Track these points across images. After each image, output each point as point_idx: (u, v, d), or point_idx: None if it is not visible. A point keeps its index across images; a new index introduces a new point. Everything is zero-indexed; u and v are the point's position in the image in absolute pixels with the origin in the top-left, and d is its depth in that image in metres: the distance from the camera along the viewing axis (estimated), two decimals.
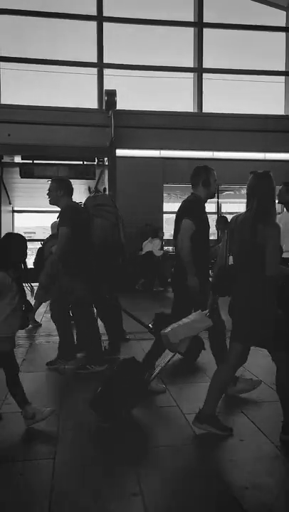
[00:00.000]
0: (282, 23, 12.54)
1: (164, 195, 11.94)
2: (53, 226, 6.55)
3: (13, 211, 19.15)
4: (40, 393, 3.87)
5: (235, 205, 14.92)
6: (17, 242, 3.22)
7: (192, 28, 12.14)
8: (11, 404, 3.58)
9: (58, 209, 4.62)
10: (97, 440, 3.04)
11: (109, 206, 4.89)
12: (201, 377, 4.25)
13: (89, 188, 5.94)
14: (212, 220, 13.15)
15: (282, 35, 12.61)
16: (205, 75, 12.05)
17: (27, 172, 11.80)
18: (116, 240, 4.83)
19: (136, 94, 12.24)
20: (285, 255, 4.88)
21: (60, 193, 4.57)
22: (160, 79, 12.10)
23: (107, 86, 11.35)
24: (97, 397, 3.31)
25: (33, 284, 4.57)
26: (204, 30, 12.00)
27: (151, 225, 11.11)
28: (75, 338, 4.82)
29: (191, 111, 12.01)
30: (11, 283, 3.08)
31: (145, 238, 11.10)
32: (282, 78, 12.61)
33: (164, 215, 11.71)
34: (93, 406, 3.31)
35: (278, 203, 5.04)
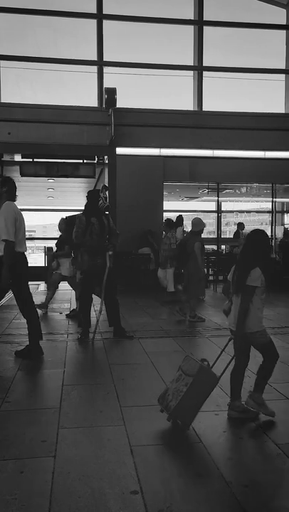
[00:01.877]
0: (283, 21, 12.53)
1: (164, 193, 11.93)
2: (194, 223, 7.02)
3: None
4: (40, 392, 3.88)
5: (234, 203, 14.90)
6: (266, 237, 3.33)
7: (192, 26, 12.13)
8: (11, 403, 3.60)
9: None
10: (97, 439, 3.05)
11: None
12: None
13: (105, 187, 5.93)
14: (211, 218, 13.16)
15: (283, 33, 12.59)
16: (205, 73, 12.03)
17: (27, 170, 11.80)
18: None
19: (136, 92, 12.23)
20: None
21: None
22: (160, 77, 12.09)
23: (107, 84, 11.33)
24: None
25: None
26: (204, 28, 11.98)
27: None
28: None
29: (191, 109, 12.00)
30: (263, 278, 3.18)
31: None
32: (283, 76, 12.61)
33: (164, 213, 11.71)
34: None
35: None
